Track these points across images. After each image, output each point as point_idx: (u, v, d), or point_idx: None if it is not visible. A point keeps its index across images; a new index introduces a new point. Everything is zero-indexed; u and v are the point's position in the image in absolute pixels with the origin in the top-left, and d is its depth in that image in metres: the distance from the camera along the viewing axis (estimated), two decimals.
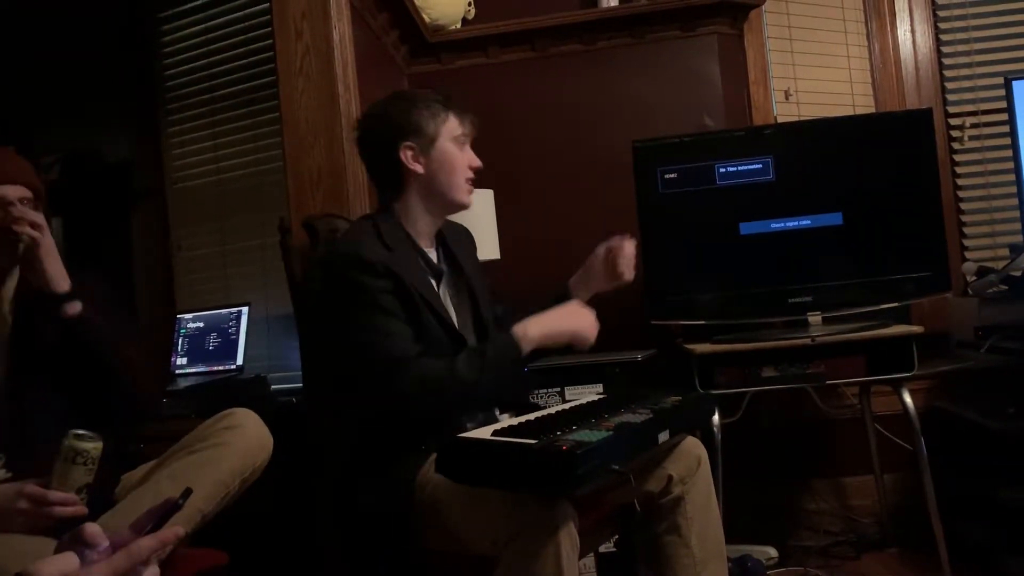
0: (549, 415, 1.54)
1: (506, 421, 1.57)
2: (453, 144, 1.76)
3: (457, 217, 1.89)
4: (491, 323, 1.85)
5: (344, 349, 1.65)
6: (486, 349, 1.62)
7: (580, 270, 1.92)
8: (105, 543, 0.92)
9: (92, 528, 0.93)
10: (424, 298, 1.65)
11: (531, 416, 1.56)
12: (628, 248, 1.85)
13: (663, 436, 1.49)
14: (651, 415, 1.52)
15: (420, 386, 1.54)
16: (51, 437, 1.57)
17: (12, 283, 1.68)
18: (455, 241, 1.88)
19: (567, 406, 1.66)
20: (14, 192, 1.62)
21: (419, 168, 1.73)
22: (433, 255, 1.80)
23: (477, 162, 1.80)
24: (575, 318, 1.69)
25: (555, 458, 1.26)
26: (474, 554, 1.47)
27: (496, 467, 1.36)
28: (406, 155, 1.73)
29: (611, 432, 1.37)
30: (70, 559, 0.89)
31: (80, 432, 1.43)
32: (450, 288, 1.81)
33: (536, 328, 1.63)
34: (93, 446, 1.43)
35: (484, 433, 1.42)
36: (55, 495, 1.40)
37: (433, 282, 1.74)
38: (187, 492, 0.97)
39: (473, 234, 2.00)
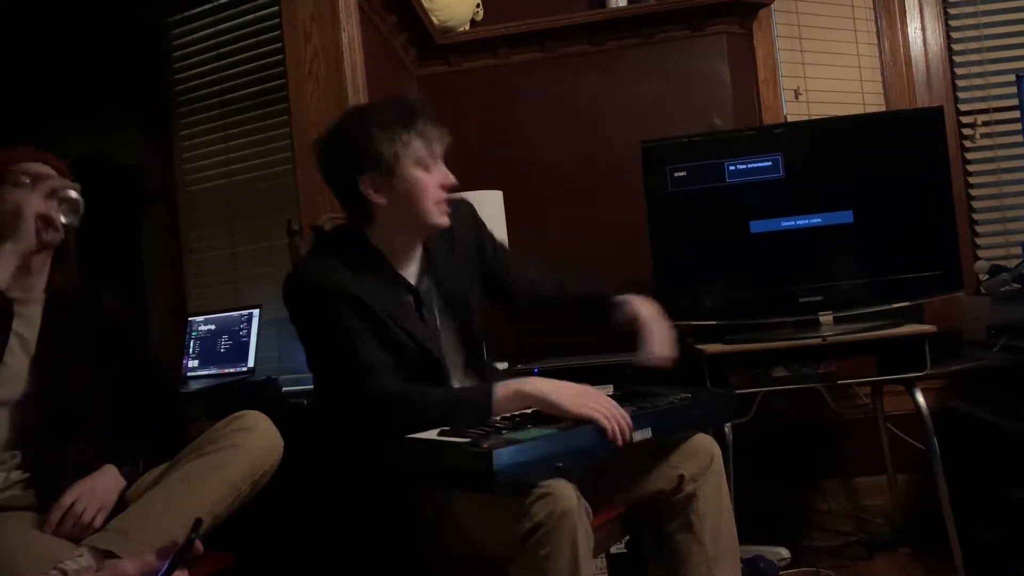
0: (524, 414, 1.53)
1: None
2: (418, 169, 1.60)
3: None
4: (480, 331, 1.77)
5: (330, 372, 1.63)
6: (461, 398, 1.54)
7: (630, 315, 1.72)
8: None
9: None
10: (393, 319, 1.57)
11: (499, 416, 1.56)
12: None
13: (641, 435, 1.46)
14: (629, 413, 1.48)
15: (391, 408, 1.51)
16: (72, 438, 1.60)
17: (42, 277, 1.71)
18: (457, 231, 1.76)
19: None
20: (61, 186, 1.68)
21: (383, 200, 1.60)
22: (413, 273, 1.70)
23: (451, 180, 1.64)
24: (592, 399, 1.46)
25: (473, 457, 1.29)
26: (484, 556, 1.47)
27: (430, 465, 1.40)
28: (367, 188, 1.60)
29: (557, 430, 1.38)
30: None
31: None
32: (438, 302, 1.72)
33: (535, 387, 1.51)
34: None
35: (433, 433, 1.44)
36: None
37: (411, 300, 1.67)
38: (198, 523, 0.97)
39: None
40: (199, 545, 0.96)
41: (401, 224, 1.64)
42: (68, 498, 1.52)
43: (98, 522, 1.52)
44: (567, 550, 1.32)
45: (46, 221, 1.61)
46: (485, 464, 1.26)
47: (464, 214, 1.81)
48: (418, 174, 1.60)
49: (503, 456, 1.27)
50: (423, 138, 1.60)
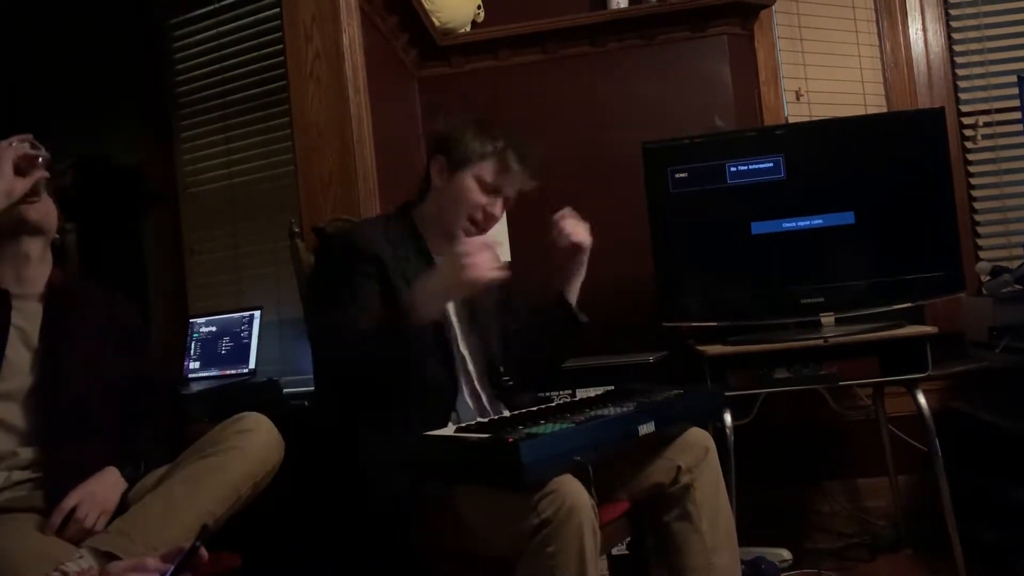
0: (530, 411, 1.60)
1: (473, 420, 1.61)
2: (476, 183, 1.75)
3: None
4: (500, 347, 1.86)
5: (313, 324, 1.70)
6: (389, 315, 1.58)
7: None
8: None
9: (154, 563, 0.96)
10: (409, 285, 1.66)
11: (505, 414, 1.64)
12: (566, 221, 1.89)
13: (645, 428, 1.52)
14: (633, 408, 1.56)
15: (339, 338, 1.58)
16: (76, 437, 1.60)
17: (42, 273, 1.71)
18: None
19: (555, 403, 1.72)
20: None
21: (438, 183, 1.79)
22: None
23: (494, 215, 1.79)
24: (453, 269, 1.53)
25: (501, 449, 1.31)
26: (488, 555, 1.47)
27: (453, 462, 1.42)
28: (435, 165, 1.79)
29: (572, 424, 1.42)
30: None
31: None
32: (458, 303, 1.81)
33: (420, 293, 1.55)
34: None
35: (449, 431, 1.47)
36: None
37: None
38: (204, 530, 0.98)
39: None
40: (204, 552, 0.96)
41: (438, 216, 1.80)
42: (69, 502, 1.52)
43: (99, 526, 1.52)
44: (574, 547, 1.32)
45: (22, 158, 1.60)
46: (514, 457, 1.28)
47: None
48: (472, 186, 1.75)
49: (529, 449, 1.29)
50: (500, 166, 1.74)
